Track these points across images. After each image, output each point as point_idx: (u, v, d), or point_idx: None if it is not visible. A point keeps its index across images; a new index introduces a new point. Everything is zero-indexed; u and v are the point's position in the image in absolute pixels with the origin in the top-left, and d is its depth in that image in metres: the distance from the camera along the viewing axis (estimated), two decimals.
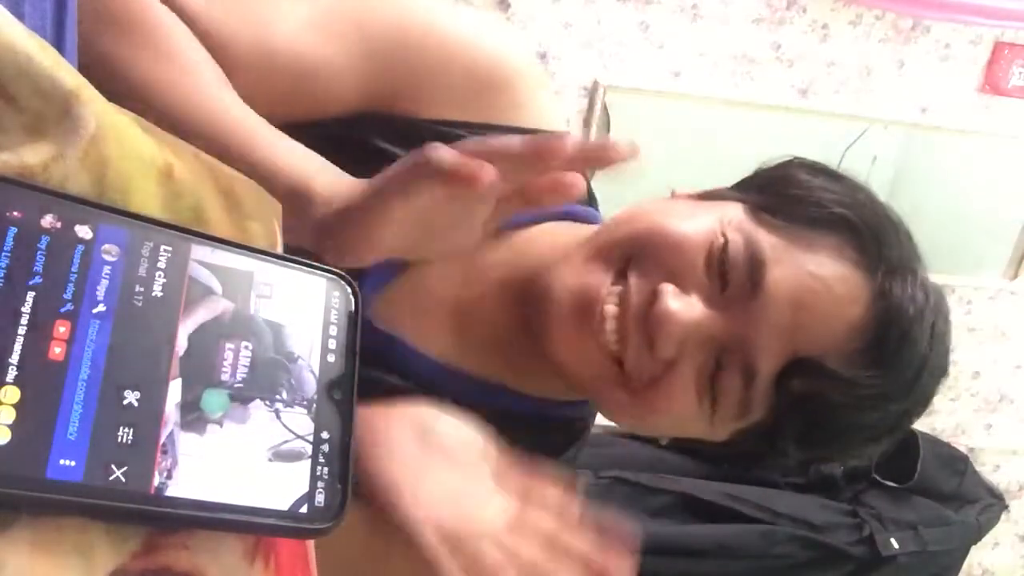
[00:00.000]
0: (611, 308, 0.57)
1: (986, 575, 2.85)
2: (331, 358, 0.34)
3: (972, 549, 2.45)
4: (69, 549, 0.26)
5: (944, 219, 2.47)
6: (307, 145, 0.54)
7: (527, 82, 0.65)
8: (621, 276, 0.58)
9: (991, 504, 2.44)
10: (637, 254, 0.58)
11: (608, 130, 2.06)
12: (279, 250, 0.38)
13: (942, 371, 0.60)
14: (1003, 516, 2.49)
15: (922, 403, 0.60)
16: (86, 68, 0.41)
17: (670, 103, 2.10)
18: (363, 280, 0.60)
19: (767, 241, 0.57)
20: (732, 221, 0.58)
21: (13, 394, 0.26)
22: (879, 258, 0.57)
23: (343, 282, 0.36)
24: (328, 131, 0.59)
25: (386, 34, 0.61)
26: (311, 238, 0.51)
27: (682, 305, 0.56)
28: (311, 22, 0.60)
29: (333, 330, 0.34)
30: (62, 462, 0.26)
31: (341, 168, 0.54)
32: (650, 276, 0.57)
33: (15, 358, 0.26)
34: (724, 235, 0.57)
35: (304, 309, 0.34)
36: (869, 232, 0.57)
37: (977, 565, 2.78)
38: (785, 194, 0.60)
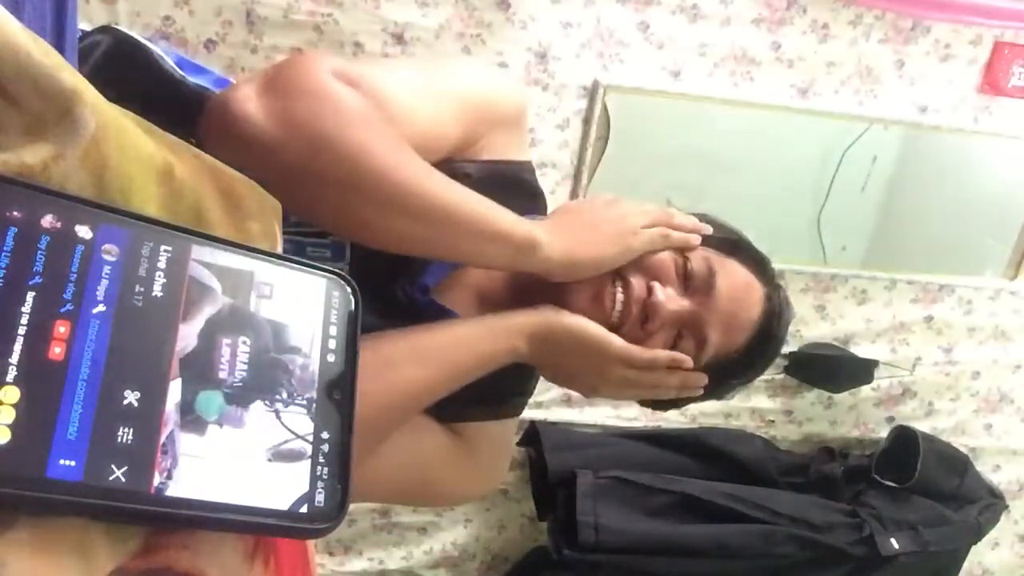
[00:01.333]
0: (619, 295, 0.82)
1: (986, 575, 2.85)
2: (331, 358, 0.34)
3: (972, 549, 2.45)
4: (69, 549, 0.26)
5: (944, 219, 2.47)
6: None
7: (525, 125, 0.90)
8: (619, 276, 0.83)
9: (991, 504, 2.44)
10: (634, 262, 0.83)
11: (608, 130, 2.06)
12: (279, 250, 0.38)
13: (782, 339, 0.92)
14: (1003, 516, 2.49)
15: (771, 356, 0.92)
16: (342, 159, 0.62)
17: (670, 103, 2.10)
18: (426, 271, 0.80)
19: (715, 260, 0.86)
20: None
21: (13, 394, 0.26)
22: (765, 274, 0.90)
23: (343, 282, 0.36)
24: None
25: (466, 99, 0.80)
26: (539, 268, 0.75)
27: (668, 297, 0.83)
28: (426, 98, 0.75)
29: (333, 330, 0.34)
30: (62, 462, 0.26)
31: None
32: (642, 276, 0.84)
33: (15, 358, 0.26)
34: (686, 256, 0.86)
35: (304, 309, 0.34)
36: (758, 258, 0.90)
37: (977, 565, 2.78)
38: (719, 238, 0.90)
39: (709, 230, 0.89)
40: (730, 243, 0.90)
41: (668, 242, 0.84)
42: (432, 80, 0.78)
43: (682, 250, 0.86)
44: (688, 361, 0.84)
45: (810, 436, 2.53)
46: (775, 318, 0.89)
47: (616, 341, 0.81)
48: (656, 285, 0.83)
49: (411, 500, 1.12)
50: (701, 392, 0.89)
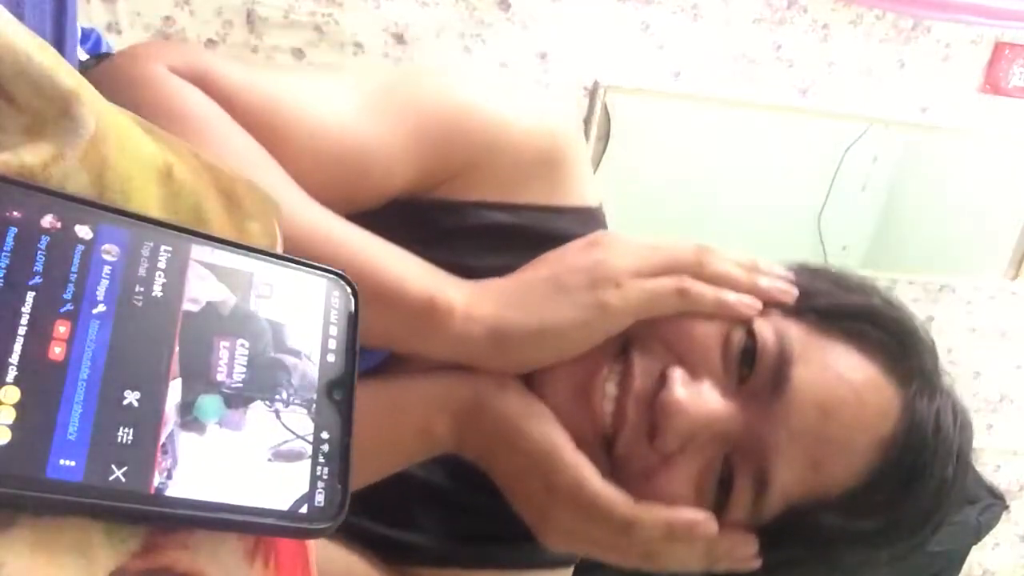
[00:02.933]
0: (611, 388, 0.52)
1: (986, 575, 2.85)
2: (331, 358, 0.34)
3: (973, 549, 2.45)
4: (69, 549, 0.26)
5: (944, 219, 2.47)
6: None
7: (569, 162, 0.61)
8: (623, 352, 0.53)
9: (992, 504, 2.44)
10: (641, 332, 0.53)
11: (608, 130, 2.06)
12: (279, 250, 0.38)
13: (960, 501, 0.55)
14: (1003, 516, 2.49)
15: (933, 533, 0.54)
16: None
17: (670, 103, 2.10)
18: None
19: (796, 336, 0.51)
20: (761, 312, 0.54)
21: (13, 394, 0.26)
22: (908, 366, 0.52)
23: (343, 282, 0.36)
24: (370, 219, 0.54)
25: (441, 118, 0.56)
26: (450, 352, 0.50)
27: (693, 394, 0.49)
28: (365, 105, 0.55)
29: (333, 330, 0.34)
30: (62, 462, 0.26)
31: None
32: (656, 357, 0.52)
33: (15, 358, 0.26)
34: (750, 329, 0.52)
35: (304, 308, 0.34)
36: (897, 338, 0.53)
37: (978, 565, 2.78)
38: (805, 292, 0.55)
39: (790, 292, 0.53)
40: (842, 312, 0.53)
41: (687, 302, 0.51)
42: (394, 92, 0.56)
43: (740, 319, 0.52)
44: (700, 525, 0.49)
45: None
46: (923, 443, 0.51)
47: (568, 465, 0.50)
48: (675, 372, 0.50)
49: None
50: (755, 568, 0.52)
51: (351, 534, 0.57)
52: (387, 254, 0.50)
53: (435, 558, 0.59)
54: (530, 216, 0.59)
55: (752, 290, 0.53)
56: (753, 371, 0.51)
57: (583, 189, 0.62)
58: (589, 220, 0.62)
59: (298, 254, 0.40)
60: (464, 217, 0.58)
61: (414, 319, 0.49)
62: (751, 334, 0.51)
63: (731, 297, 0.52)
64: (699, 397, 0.50)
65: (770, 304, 0.53)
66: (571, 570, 0.65)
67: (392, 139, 0.54)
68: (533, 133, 0.59)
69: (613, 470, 0.52)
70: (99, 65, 0.52)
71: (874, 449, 0.50)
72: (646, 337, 0.52)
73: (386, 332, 0.49)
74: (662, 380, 0.50)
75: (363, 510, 0.47)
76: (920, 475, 0.51)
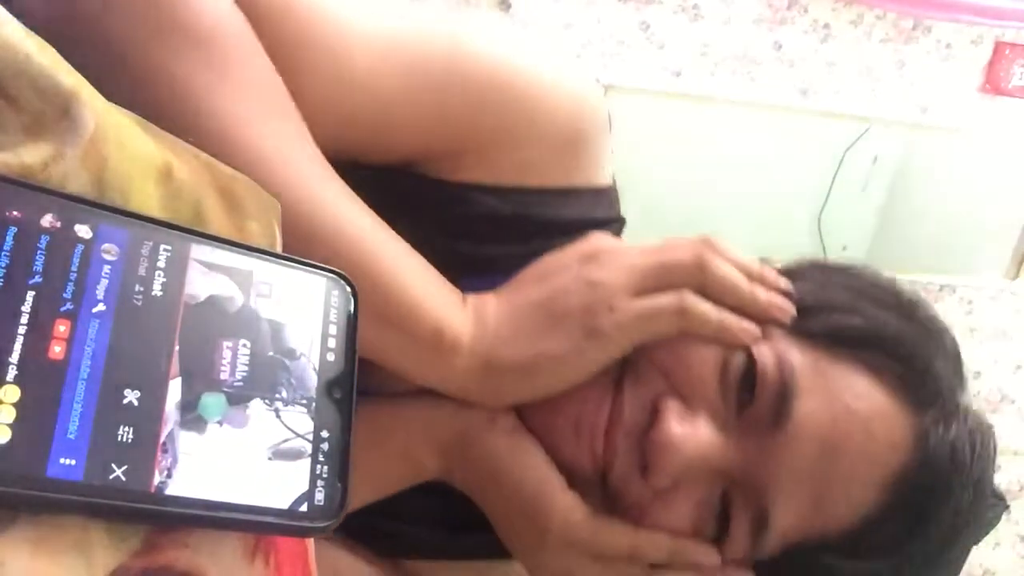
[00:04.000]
0: (599, 423, 0.49)
1: (987, 575, 2.85)
2: (330, 357, 0.34)
3: (973, 549, 2.45)
4: (69, 548, 0.26)
5: (944, 219, 2.48)
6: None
7: (593, 139, 0.57)
8: (617, 385, 0.50)
9: (992, 504, 2.44)
10: (635, 355, 0.49)
11: (608, 131, 2.07)
12: (278, 249, 0.38)
13: (981, 530, 0.52)
14: (1004, 516, 2.49)
15: (951, 567, 0.52)
16: (137, 83, 0.37)
17: (671, 103, 2.10)
18: None
19: (799, 362, 0.47)
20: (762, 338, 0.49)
21: (13, 393, 0.26)
22: (924, 392, 0.48)
23: (343, 281, 0.36)
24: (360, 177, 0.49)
25: (472, 88, 0.51)
26: (446, 385, 0.48)
27: (687, 431, 0.46)
28: (401, 61, 0.49)
29: (332, 329, 0.34)
30: (62, 461, 0.26)
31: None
32: (649, 385, 0.49)
33: (15, 357, 0.26)
34: (750, 353, 0.48)
35: (304, 308, 0.34)
36: (913, 363, 0.49)
37: (978, 565, 2.78)
38: (813, 306, 0.50)
39: (787, 311, 0.49)
40: (852, 336, 0.49)
41: (686, 323, 0.47)
42: (433, 52, 0.50)
43: (739, 345, 0.48)
44: (703, 554, 0.47)
45: None
46: (936, 477, 0.47)
47: (558, 509, 0.48)
48: (669, 404, 0.47)
49: None
50: None
51: (346, 528, 0.57)
52: (403, 268, 0.46)
53: (431, 548, 0.58)
54: (539, 200, 0.55)
55: (752, 303, 0.49)
56: (753, 398, 0.47)
57: (600, 168, 0.59)
58: (601, 201, 0.58)
59: (309, 244, 0.40)
60: (469, 204, 0.54)
61: (418, 348, 0.47)
62: (751, 357, 0.48)
63: (732, 323, 0.48)
64: (693, 433, 0.47)
65: (768, 322, 0.49)
66: None
67: (417, 103, 0.50)
68: (570, 113, 0.54)
69: (609, 503, 0.50)
70: None
71: (882, 485, 0.46)
72: (640, 361, 0.49)
73: (385, 352, 0.46)
74: (654, 413, 0.48)
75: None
76: (933, 512, 0.47)
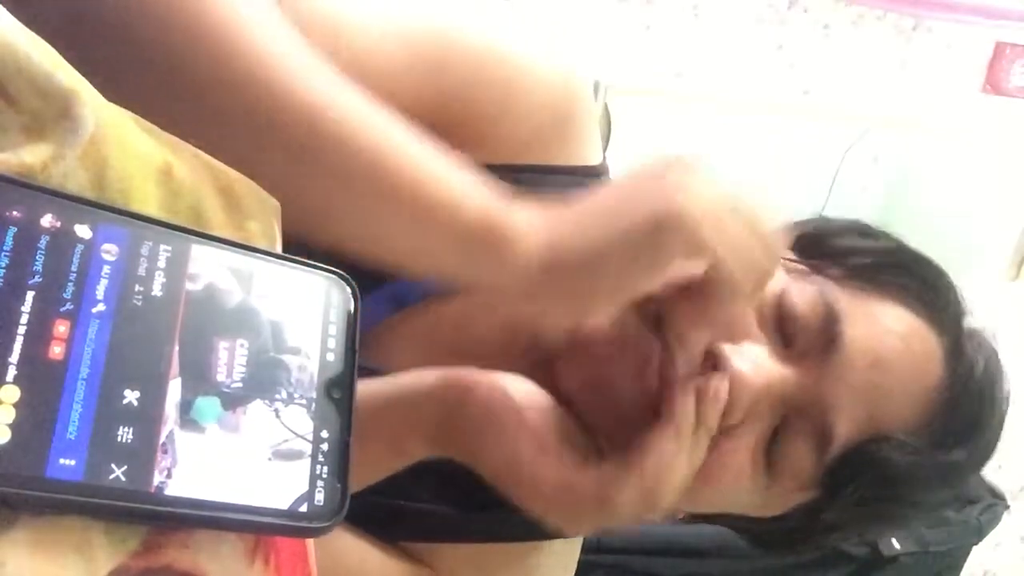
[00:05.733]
0: (653, 365, 0.50)
1: (987, 575, 2.85)
2: (330, 357, 0.34)
3: (973, 549, 2.45)
4: (69, 548, 0.26)
5: (944, 219, 2.47)
6: None
7: (586, 118, 0.58)
8: (656, 328, 0.50)
9: (992, 504, 2.44)
10: (674, 309, 0.48)
11: (609, 130, 2.06)
12: (278, 249, 0.38)
13: (991, 417, 0.58)
14: (1004, 516, 2.49)
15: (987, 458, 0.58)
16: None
17: (671, 103, 2.10)
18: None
19: (838, 294, 0.52)
20: (791, 266, 0.54)
21: (13, 393, 0.26)
22: (946, 312, 0.55)
23: (342, 281, 0.36)
24: None
25: (467, 64, 0.51)
26: (503, 281, 0.44)
27: (752, 366, 0.48)
28: (390, 28, 0.49)
29: (332, 329, 0.34)
30: (62, 461, 0.26)
31: None
32: (693, 337, 0.48)
33: (15, 357, 0.26)
34: (783, 286, 0.51)
35: (303, 308, 0.34)
36: (931, 285, 0.56)
37: (978, 565, 2.78)
38: (834, 250, 0.56)
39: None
40: (876, 267, 0.55)
41: (762, 261, 0.46)
42: (432, 31, 0.51)
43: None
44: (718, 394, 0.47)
45: None
46: (973, 383, 0.54)
47: (525, 476, 0.47)
48: (726, 348, 0.49)
49: None
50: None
51: (351, 511, 0.55)
52: (443, 167, 0.43)
53: (441, 529, 0.58)
54: (531, 178, 0.54)
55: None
56: (797, 333, 0.51)
57: (592, 146, 0.59)
58: (593, 178, 0.58)
59: (352, 161, 0.38)
60: None
61: (468, 243, 0.43)
62: (788, 297, 0.52)
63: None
64: (757, 365, 0.49)
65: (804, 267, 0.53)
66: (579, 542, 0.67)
67: (411, 82, 0.49)
68: (555, 91, 0.55)
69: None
70: None
71: (929, 393, 0.52)
72: (677, 315, 0.48)
73: (435, 257, 0.43)
74: (711, 359, 0.49)
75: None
76: (980, 416, 0.54)
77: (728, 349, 0.50)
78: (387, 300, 0.55)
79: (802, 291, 0.52)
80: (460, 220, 0.42)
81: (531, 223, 0.45)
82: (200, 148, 0.34)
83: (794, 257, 0.56)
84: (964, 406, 0.54)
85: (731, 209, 0.45)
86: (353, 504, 0.31)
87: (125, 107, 0.31)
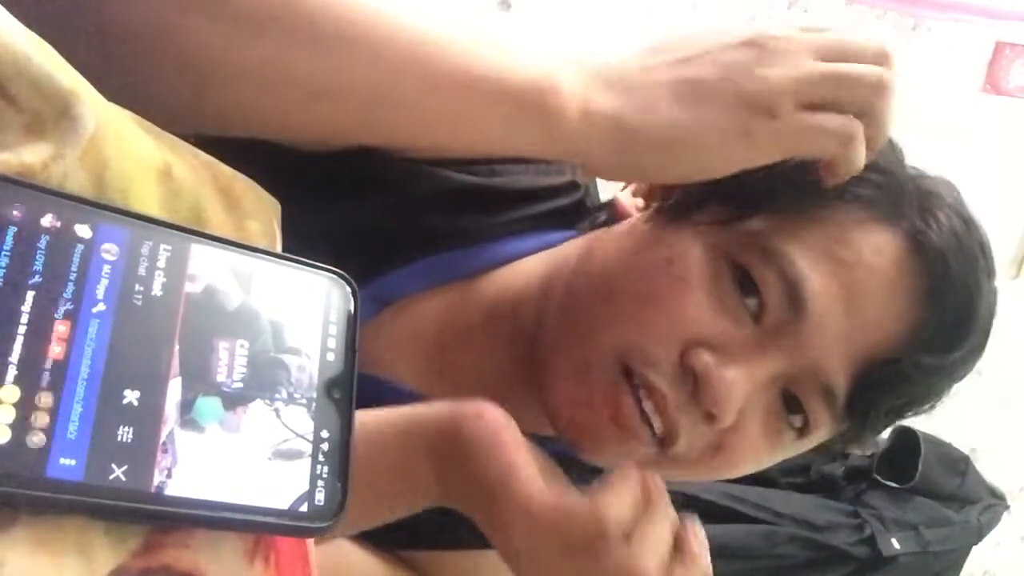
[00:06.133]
0: (648, 404, 0.49)
1: (987, 575, 2.85)
2: (330, 357, 0.34)
3: (973, 549, 2.45)
4: (69, 548, 0.26)
5: None
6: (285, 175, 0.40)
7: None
8: (626, 376, 0.49)
9: (992, 504, 2.44)
10: (628, 344, 0.48)
11: None
12: (278, 249, 0.38)
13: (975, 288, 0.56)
14: (1004, 516, 2.49)
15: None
16: None
17: None
18: None
19: (787, 248, 0.48)
20: (729, 238, 0.49)
21: (13, 393, 0.26)
22: (893, 196, 0.51)
23: (342, 281, 0.36)
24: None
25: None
26: (562, 151, 0.43)
27: (733, 366, 0.47)
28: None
29: (332, 329, 0.34)
30: (62, 461, 0.26)
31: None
32: (662, 351, 0.48)
33: (15, 357, 0.26)
34: (731, 261, 0.48)
35: (303, 308, 0.34)
36: (859, 179, 0.49)
37: (979, 565, 2.78)
38: (756, 182, 0.47)
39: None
40: (795, 193, 0.49)
41: (842, 154, 0.45)
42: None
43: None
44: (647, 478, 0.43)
45: None
46: (949, 264, 0.51)
47: (518, 489, 0.42)
48: (702, 358, 0.47)
49: None
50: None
51: None
52: (485, 40, 0.41)
53: (442, 538, 0.56)
54: (505, 169, 0.54)
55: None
56: (761, 303, 0.48)
57: None
58: (565, 168, 0.58)
59: (376, 23, 0.37)
60: (434, 178, 0.52)
61: (520, 111, 0.41)
62: (738, 266, 0.48)
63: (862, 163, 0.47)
64: (739, 364, 0.47)
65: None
66: None
67: None
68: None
69: (671, 462, 0.51)
70: None
71: (913, 296, 0.50)
72: (642, 346, 0.48)
73: (486, 129, 0.42)
74: (688, 371, 0.48)
75: None
76: (967, 305, 0.53)
77: (704, 356, 0.47)
78: (370, 300, 0.53)
79: (754, 260, 0.48)
80: (508, 85, 0.40)
81: (589, 87, 0.42)
82: (231, 47, 0.34)
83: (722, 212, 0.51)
84: (950, 303, 0.52)
85: (813, 97, 0.45)
86: None
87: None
